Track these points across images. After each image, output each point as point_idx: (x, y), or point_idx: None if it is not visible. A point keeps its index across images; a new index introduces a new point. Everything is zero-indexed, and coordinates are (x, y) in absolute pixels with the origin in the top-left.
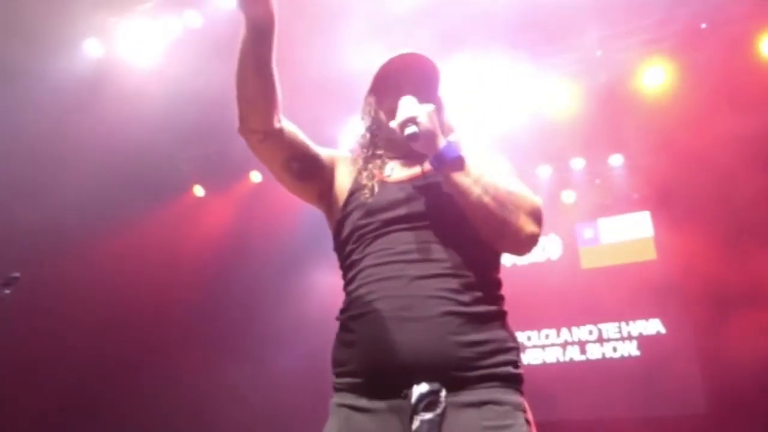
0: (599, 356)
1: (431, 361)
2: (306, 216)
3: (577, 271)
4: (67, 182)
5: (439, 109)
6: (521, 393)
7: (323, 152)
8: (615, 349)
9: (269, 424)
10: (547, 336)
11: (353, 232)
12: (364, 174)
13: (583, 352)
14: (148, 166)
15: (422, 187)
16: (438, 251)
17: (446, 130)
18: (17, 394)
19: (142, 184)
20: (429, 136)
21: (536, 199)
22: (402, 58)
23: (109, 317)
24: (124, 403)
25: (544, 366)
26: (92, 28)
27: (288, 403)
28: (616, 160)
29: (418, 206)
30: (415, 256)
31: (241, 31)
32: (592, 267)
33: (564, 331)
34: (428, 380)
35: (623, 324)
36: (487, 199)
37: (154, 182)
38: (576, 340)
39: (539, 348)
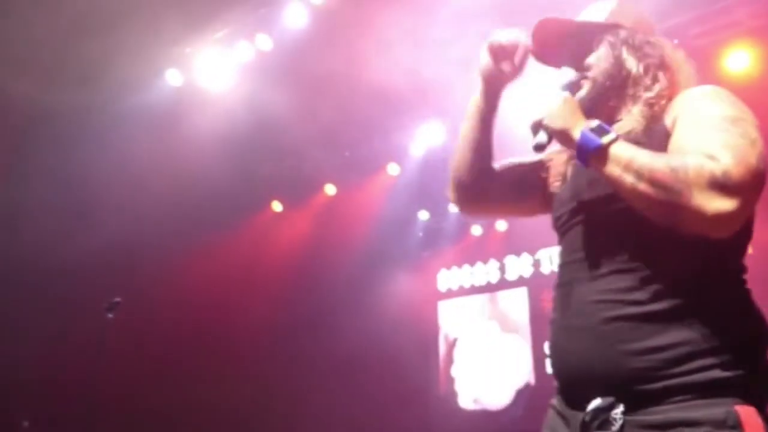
0: None
1: (601, 375)
2: (382, 225)
3: None
4: (152, 205)
5: (610, 47)
6: (742, 401)
7: (527, 162)
8: None
9: None
10: None
11: (556, 228)
12: (559, 161)
13: None
14: (228, 185)
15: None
16: (610, 245)
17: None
18: (107, 403)
19: (223, 203)
20: (560, 136)
21: (726, 161)
22: (534, 38)
23: (192, 335)
24: (204, 419)
25: None
26: (172, 59)
27: (372, 414)
28: None
29: (592, 193)
30: (583, 254)
31: (471, 108)
32: None
33: None
34: (603, 394)
35: None
36: (642, 186)
37: (235, 201)
38: None
39: None
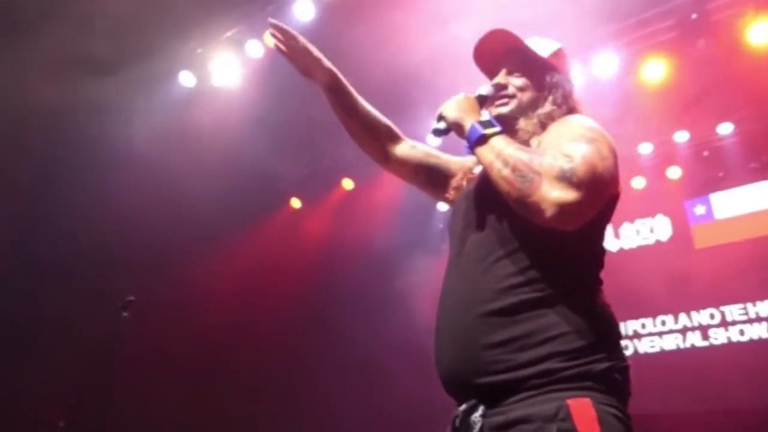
0: (724, 341)
1: (459, 373)
2: (402, 217)
3: (691, 252)
4: (170, 205)
5: (539, 74)
6: (576, 393)
7: (453, 160)
8: (742, 333)
9: None
10: (663, 322)
11: (447, 237)
12: (462, 172)
13: (705, 337)
14: (246, 184)
15: (481, 179)
16: (481, 247)
17: (549, 95)
18: (126, 403)
19: (241, 202)
20: (455, 127)
21: (576, 160)
22: (480, 43)
23: (214, 333)
24: (226, 417)
25: (663, 354)
26: (184, 60)
27: (395, 411)
28: (725, 129)
29: (472, 201)
30: (460, 259)
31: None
32: (707, 246)
33: (682, 316)
34: (467, 393)
35: (749, 305)
36: (506, 171)
37: (253, 199)
38: (696, 324)
39: (656, 335)
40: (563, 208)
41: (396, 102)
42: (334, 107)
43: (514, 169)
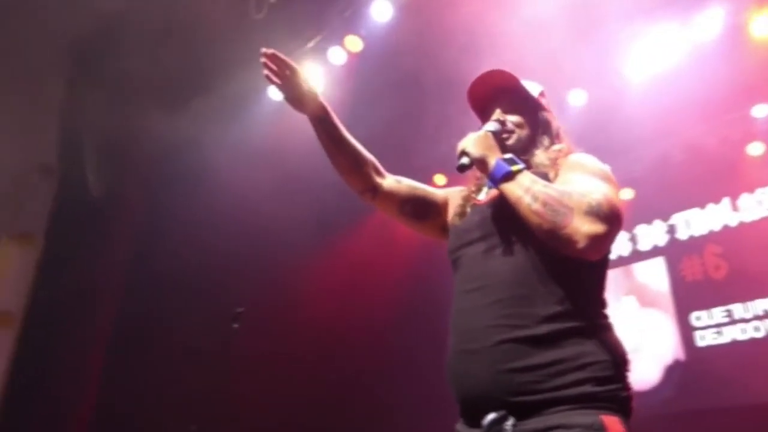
0: None
1: (491, 392)
2: None
3: None
4: (268, 217)
5: (532, 113)
6: (610, 413)
7: (438, 192)
8: None
9: None
10: None
11: (450, 259)
12: (461, 199)
13: None
14: (340, 189)
15: (496, 207)
16: (503, 273)
17: (545, 131)
18: (235, 407)
19: (336, 207)
20: (479, 162)
21: (599, 197)
22: (476, 82)
23: (317, 338)
24: (335, 421)
25: None
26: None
27: None
28: None
29: (490, 227)
30: (480, 283)
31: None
32: None
33: None
34: (496, 410)
35: None
36: (536, 206)
37: (348, 203)
38: None
39: None
40: (594, 239)
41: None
42: (321, 139)
43: (545, 204)
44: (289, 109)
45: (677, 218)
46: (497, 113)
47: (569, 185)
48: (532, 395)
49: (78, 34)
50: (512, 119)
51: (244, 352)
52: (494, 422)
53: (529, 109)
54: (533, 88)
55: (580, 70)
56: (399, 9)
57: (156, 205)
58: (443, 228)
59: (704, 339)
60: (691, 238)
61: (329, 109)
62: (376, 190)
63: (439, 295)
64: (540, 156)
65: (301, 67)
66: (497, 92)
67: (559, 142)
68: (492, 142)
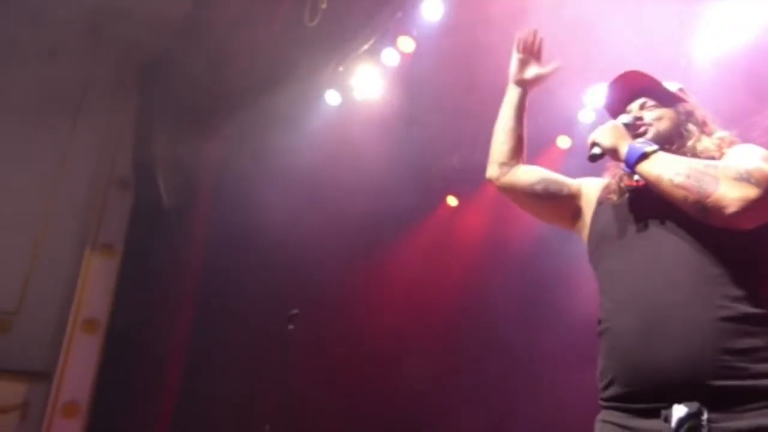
0: None
1: (685, 374)
2: None
3: None
4: (331, 218)
5: (671, 106)
6: None
7: (568, 179)
8: None
9: None
10: None
11: (599, 243)
12: (608, 186)
13: None
14: (401, 188)
15: (647, 192)
16: (682, 254)
17: (693, 126)
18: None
19: (399, 206)
20: (610, 151)
21: (750, 166)
22: (613, 85)
23: (378, 337)
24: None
25: None
26: (328, 80)
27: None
28: None
29: (655, 209)
30: (657, 263)
31: (507, 99)
32: None
33: None
34: (685, 397)
35: None
36: (679, 179)
37: (410, 201)
38: None
39: None
40: (745, 204)
41: (534, 93)
42: (504, 112)
43: (688, 176)
44: (346, 115)
45: None
46: (634, 109)
47: (726, 162)
48: (732, 380)
49: (147, 50)
50: (650, 114)
51: (311, 355)
52: (688, 417)
53: (668, 103)
54: (671, 85)
55: (647, 62)
56: (450, 7)
57: (220, 215)
58: (574, 211)
59: None
60: None
61: (526, 99)
62: (506, 166)
63: (496, 298)
64: (705, 142)
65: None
66: (634, 93)
67: (709, 130)
68: (623, 131)
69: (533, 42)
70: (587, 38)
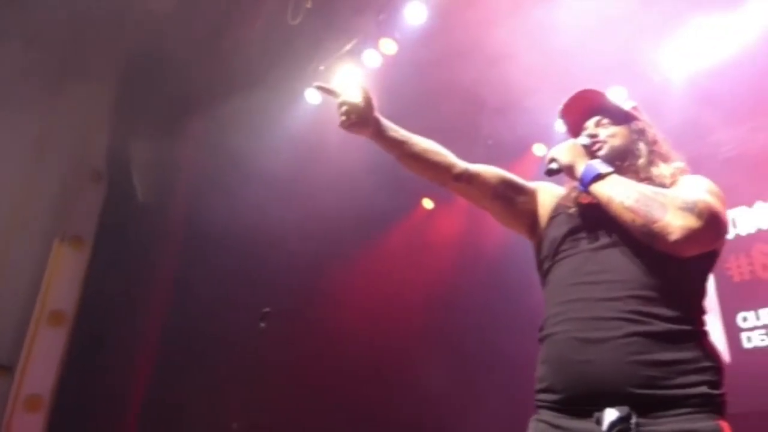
0: None
1: (616, 382)
2: None
3: None
4: (305, 217)
5: (624, 124)
6: (721, 417)
7: (526, 182)
8: None
9: None
10: None
11: (549, 253)
12: (566, 197)
13: None
14: (378, 190)
15: (599, 210)
16: (623, 271)
17: (645, 145)
18: (276, 406)
19: (375, 208)
20: (567, 168)
21: (696, 197)
22: (568, 103)
23: (354, 335)
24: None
25: None
26: (308, 79)
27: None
28: None
29: (605, 227)
30: (600, 277)
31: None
32: None
33: None
34: (616, 402)
35: None
36: (629, 202)
37: (386, 204)
38: None
39: None
40: (687, 233)
41: (511, 92)
42: (388, 151)
43: (638, 201)
44: (326, 112)
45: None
46: (590, 127)
47: (675, 191)
48: (658, 390)
49: (128, 44)
50: (605, 131)
51: (282, 354)
52: (619, 420)
53: (622, 121)
54: (624, 102)
55: (620, 67)
56: (433, 11)
57: (198, 210)
58: (531, 217)
59: (751, 341)
60: (738, 237)
61: (383, 122)
62: (463, 176)
63: (468, 301)
64: (662, 168)
65: (347, 87)
66: (590, 110)
67: (658, 149)
68: (581, 150)
69: (332, 91)
70: (565, 48)
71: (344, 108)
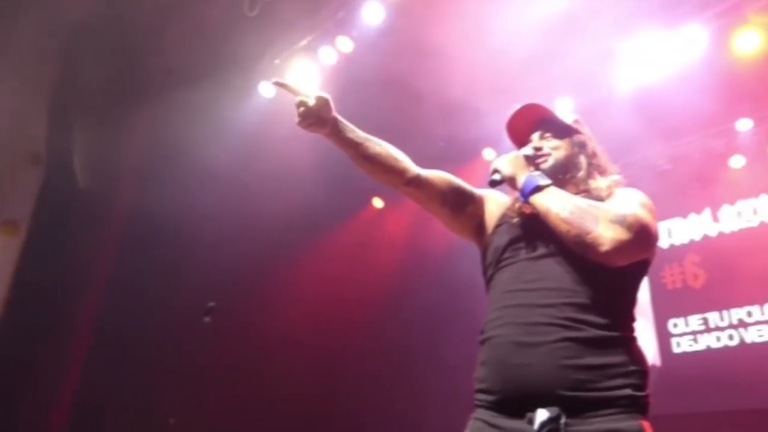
0: None
1: (548, 384)
2: None
3: None
4: (254, 211)
5: (567, 137)
6: (644, 418)
7: (474, 189)
8: None
9: None
10: None
11: (493, 260)
12: (510, 207)
13: None
14: (329, 187)
15: (540, 221)
16: (559, 280)
17: (585, 159)
18: (215, 402)
19: (325, 205)
20: (509, 180)
21: (628, 211)
22: (513, 116)
23: (299, 332)
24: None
25: None
26: (263, 72)
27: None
28: None
29: (544, 237)
30: (538, 285)
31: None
32: None
33: None
34: (547, 403)
35: None
36: (564, 214)
37: (336, 201)
38: None
39: (764, 324)
40: (617, 245)
41: (464, 97)
42: (343, 150)
43: (573, 213)
44: (279, 107)
45: (660, 227)
46: (535, 139)
47: (608, 204)
48: (586, 392)
49: (73, 21)
50: (549, 144)
51: (223, 350)
52: (550, 419)
53: (565, 134)
54: (568, 116)
55: (567, 78)
56: (390, 12)
57: (141, 201)
58: (478, 224)
59: (680, 346)
60: (673, 247)
61: (341, 122)
62: (414, 181)
63: (413, 301)
64: (599, 182)
65: (302, 81)
66: (534, 123)
67: (596, 162)
68: (523, 162)
69: (290, 89)
70: (520, 56)
71: (302, 109)
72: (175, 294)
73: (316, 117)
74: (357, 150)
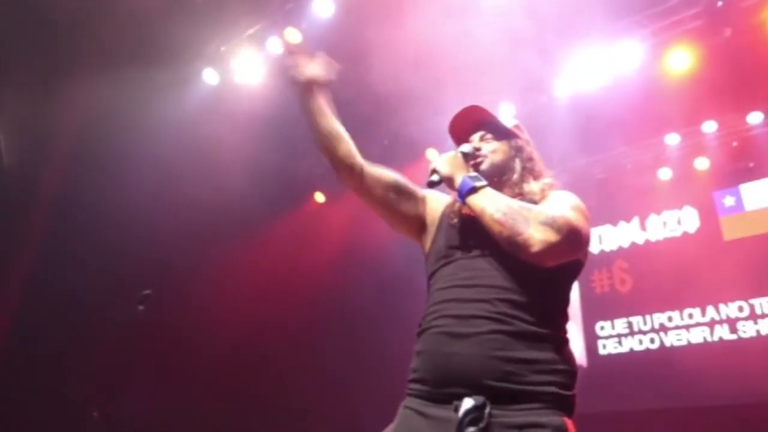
0: (753, 334)
1: (476, 373)
2: None
3: (720, 244)
4: (192, 202)
5: (506, 140)
6: (568, 416)
7: (417, 188)
8: None
9: None
10: (690, 315)
11: (433, 259)
12: (450, 206)
13: (734, 330)
14: (270, 179)
15: (477, 221)
16: (494, 278)
17: (519, 160)
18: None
19: (265, 197)
20: (447, 180)
21: (559, 213)
22: (456, 117)
23: (233, 324)
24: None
25: (690, 347)
26: (208, 59)
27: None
28: (755, 118)
29: (481, 237)
30: (474, 282)
31: (303, 104)
32: (737, 237)
33: (710, 309)
34: (474, 393)
35: None
36: (498, 215)
37: (277, 194)
38: (725, 317)
39: (683, 328)
40: (546, 246)
41: (410, 96)
42: (305, 107)
43: (506, 214)
44: (221, 95)
45: (592, 233)
46: (475, 140)
47: (540, 206)
48: (512, 384)
49: None
50: (488, 146)
51: (151, 339)
52: (474, 407)
53: (504, 137)
54: (508, 120)
55: (511, 84)
56: (340, 6)
57: (72, 182)
58: (419, 221)
59: (606, 348)
60: (602, 253)
61: (321, 93)
62: (356, 168)
63: (378, 285)
64: (532, 185)
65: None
66: (475, 125)
67: (531, 166)
68: (461, 162)
69: (298, 46)
70: (467, 59)
71: (303, 67)
72: (107, 280)
73: (311, 77)
74: (319, 119)
